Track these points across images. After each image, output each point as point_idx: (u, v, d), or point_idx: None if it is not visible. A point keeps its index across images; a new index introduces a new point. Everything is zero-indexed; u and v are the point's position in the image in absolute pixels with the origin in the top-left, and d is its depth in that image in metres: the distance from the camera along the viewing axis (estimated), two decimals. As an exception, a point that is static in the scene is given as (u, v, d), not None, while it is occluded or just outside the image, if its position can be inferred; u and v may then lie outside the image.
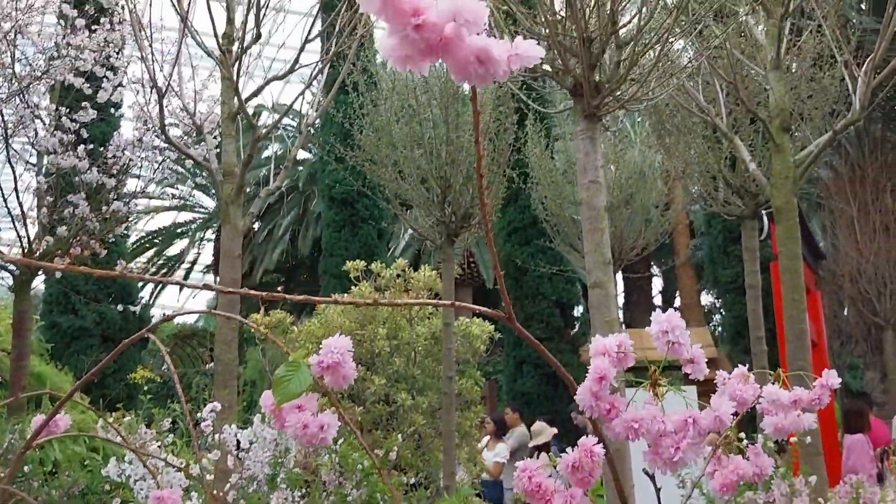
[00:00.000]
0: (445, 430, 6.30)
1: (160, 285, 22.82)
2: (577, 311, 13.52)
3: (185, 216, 22.78)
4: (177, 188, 21.78)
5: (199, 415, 3.91)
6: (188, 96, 5.57)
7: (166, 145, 7.20)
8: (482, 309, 1.25)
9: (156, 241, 22.39)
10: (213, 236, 21.87)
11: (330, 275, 13.69)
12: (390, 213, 15.01)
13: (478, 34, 0.77)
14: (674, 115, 6.47)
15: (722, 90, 5.39)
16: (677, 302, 22.87)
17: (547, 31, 3.07)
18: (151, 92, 6.87)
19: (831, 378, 1.22)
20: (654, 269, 23.22)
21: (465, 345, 7.43)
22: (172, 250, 22.75)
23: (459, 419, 7.16)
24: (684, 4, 3.14)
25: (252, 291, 1.08)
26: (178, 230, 22.53)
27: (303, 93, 5.18)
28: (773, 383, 1.24)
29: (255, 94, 4.97)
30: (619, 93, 3.15)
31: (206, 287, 1.04)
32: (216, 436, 3.87)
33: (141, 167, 7.89)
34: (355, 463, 3.90)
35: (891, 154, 13.11)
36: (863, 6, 12.36)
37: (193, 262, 23.42)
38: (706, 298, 21.45)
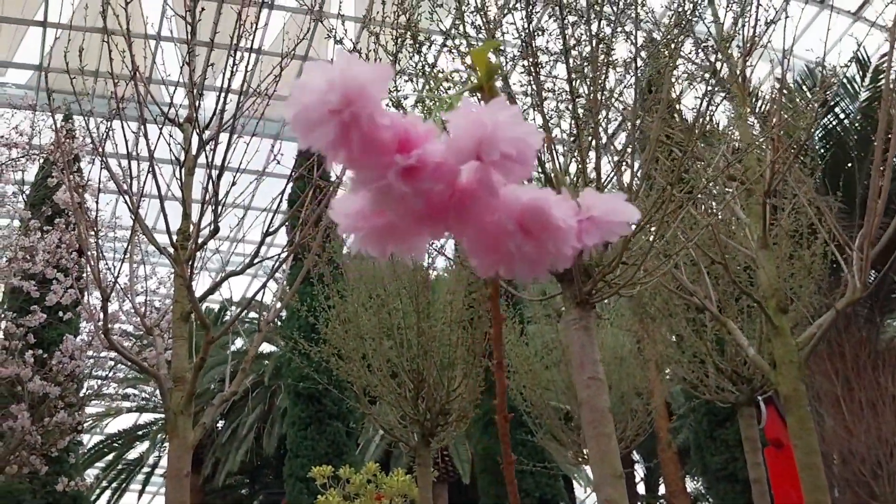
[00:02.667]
0: None
1: (118, 493, 21.37)
2: (562, 508, 12.65)
3: (147, 417, 21.81)
4: (138, 388, 20.94)
5: None
6: (140, 296, 5.20)
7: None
8: None
9: (115, 444, 21.27)
10: (175, 439, 20.88)
11: (296, 478, 12.78)
12: (359, 409, 14.33)
13: (525, 180, 0.41)
14: (654, 297, 6.23)
15: (704, 271, 5.16)
16: (661, 489, 21.84)
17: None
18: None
19: None
20: (635, 455, 22.36)
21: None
22: (133, 454, 21.59)
23: None
24: (674, 181, 2.92)
25: None
26: (139, 432, 21.50)
27: (263, 287, 4.84)
28: None
29: (211, 291, 4.60)
30: (611, 277, 2.84)
31: None
32: None
33: (91, 370, 7.40)
34: None
35: (865, 329, 13.01)
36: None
37: (154, 466, 22.18)
38: (692, 485, 20.53)
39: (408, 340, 6.12)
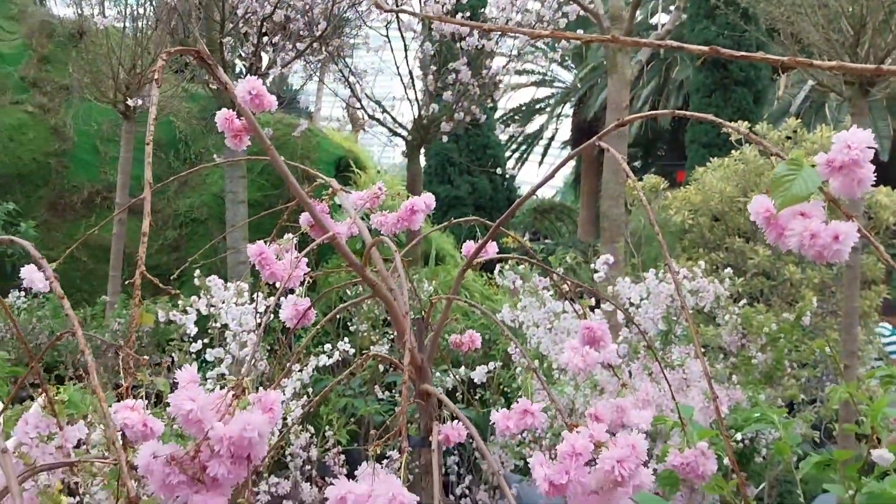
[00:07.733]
0: (847, 306, 5.59)
1: (520, 160, 23.41)
2: None
3: (543, 92, 22.84)
4: (535, 64, 21.74)
5: (592, 266, 3.83)
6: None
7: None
8: None
9: (515, 118, 22.77)
10: (571, 112, 21.76)
11: (699, 144, 12.94)
12: (767, 75, 13.58)
13: None
14: None
15: None
16: None
17: None
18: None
19: None
20: None
21: (865, 217, 6.45)
22: (531, 127, 23.06)
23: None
24: None
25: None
26: (537, 106, 22.69)
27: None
28: None
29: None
30: None
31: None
32: (609, 288, 3.77)
33: (515, 38, 7.87)
34: (760, 325, 3.55)
35: None
36: None
37: (552, 139, 23.53)
38: None
39: (849, -19, 5.49)
